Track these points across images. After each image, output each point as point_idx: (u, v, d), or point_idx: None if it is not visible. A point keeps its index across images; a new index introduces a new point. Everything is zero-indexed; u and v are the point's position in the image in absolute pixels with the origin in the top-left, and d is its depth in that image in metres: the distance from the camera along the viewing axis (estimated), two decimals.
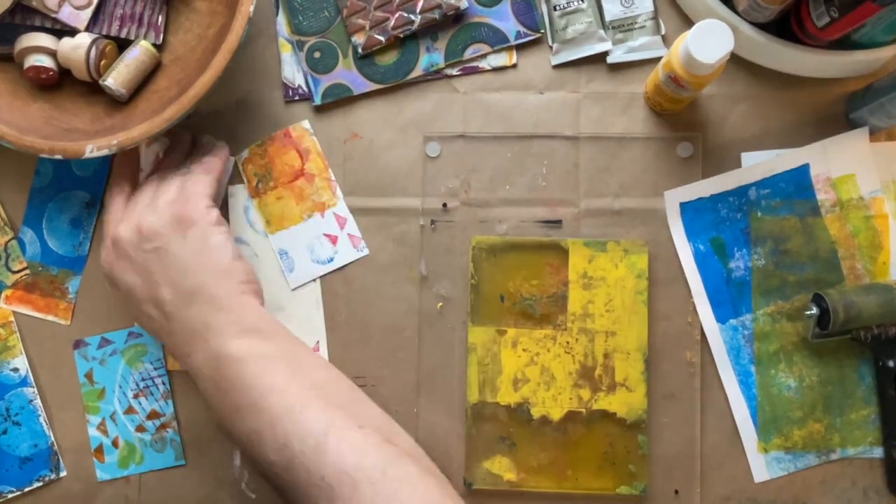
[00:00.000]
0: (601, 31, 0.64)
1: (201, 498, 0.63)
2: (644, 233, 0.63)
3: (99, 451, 0.64)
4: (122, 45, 0.63)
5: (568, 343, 0.62)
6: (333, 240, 0.64)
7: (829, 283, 0.62)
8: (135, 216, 0.56)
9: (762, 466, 0.61)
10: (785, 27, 0.61)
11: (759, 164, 0.63)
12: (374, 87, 0.65)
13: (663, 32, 0.64)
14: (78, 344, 0.64)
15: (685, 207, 0.63)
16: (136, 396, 0.64)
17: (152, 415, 0.64)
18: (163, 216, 0.55)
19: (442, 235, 0.64)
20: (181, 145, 0.63)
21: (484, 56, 0.65)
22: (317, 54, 0.65)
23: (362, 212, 0.65)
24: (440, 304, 0.64)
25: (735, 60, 0.64)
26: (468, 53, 0.65)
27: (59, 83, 0.63)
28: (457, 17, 0.65)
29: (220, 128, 0.65)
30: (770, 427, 0.61)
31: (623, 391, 0.61)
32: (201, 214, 0.56)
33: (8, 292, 0.65)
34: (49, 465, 0.64)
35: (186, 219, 0.55)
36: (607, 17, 0.64)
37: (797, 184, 0.63)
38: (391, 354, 0.63)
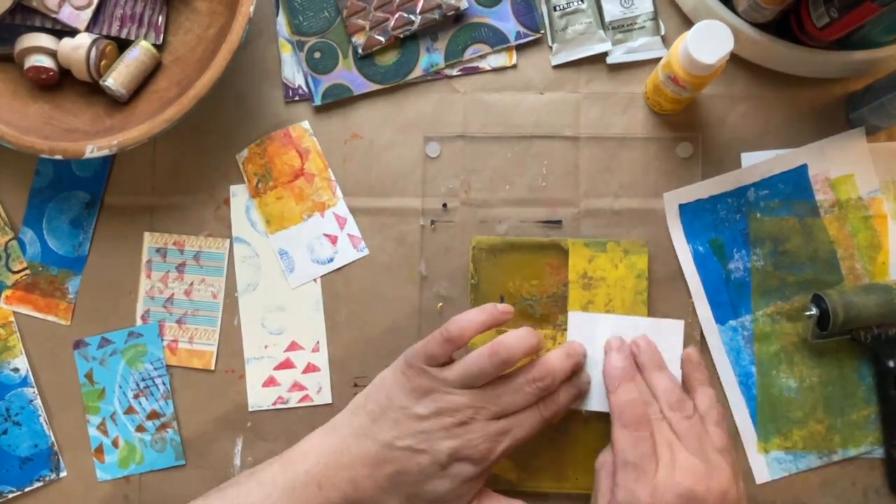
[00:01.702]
0: (601, 32, 0.64)
1: None
2: (644, 233, 0.63)
3: (99, 451, 0.64)
4: (123, 45, 0.63)
5: None
6: (333, 240, 0.64)
7: (829, 283, 0.62)
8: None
9: (763, 467, 0.61)
10: (785, 27, 0.61)
11: (757, 165, 0.63)
12: (374, 87, 0.65)
13: (663, 33, 0.64)
14: (78, 344, 0.64)
15: (684, 209, 0.63)
16: (136, 396, 0.64)
17: (152, 415, 0.64)
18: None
19: (442, 235, 0.64)
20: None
21: (484, 56, 0.65)
22: (317, 54, 0.65)
23: (362, 212, 0.65)
24: (440, 304, 0.64)
25: (735, 61, 0.64)
26: (468, 54, 0.65)
27: (59, 83, 0.64)
28: (457, 18, 0.65)
29: (220, 128, 0.66)
30: (770, 427, 0.61)
31: None
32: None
33: (8, 292, 0.65)
34: (49, 465, 0.64)
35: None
36: (607, 18, 0.64)
37: (795, 184, 0.63)
38: (391, 354, 0.63)
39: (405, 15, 0.64)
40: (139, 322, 0.65)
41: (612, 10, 0.64)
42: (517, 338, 0.55)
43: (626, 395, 0.55)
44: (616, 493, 0.52)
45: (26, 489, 0.64)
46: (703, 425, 0.54)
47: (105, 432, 0.64)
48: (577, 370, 0.57)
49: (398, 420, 0.54)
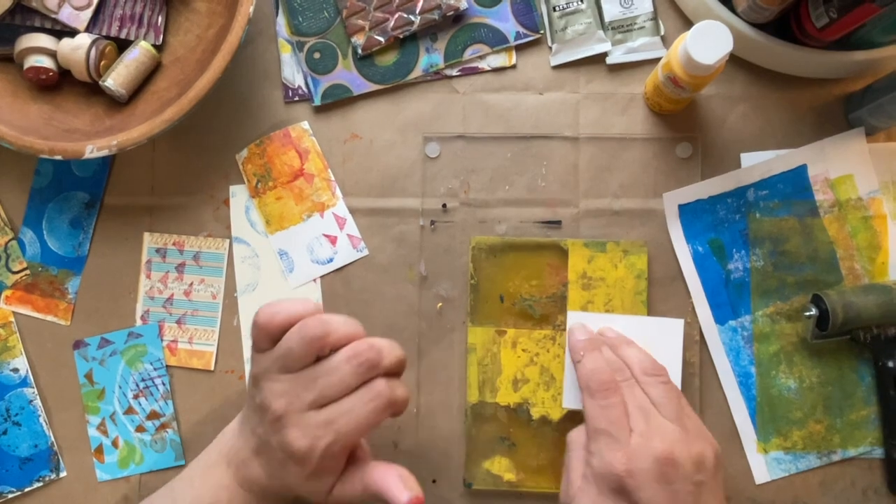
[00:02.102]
0: (600, 32, 0.64)
1: None
2: (643, 233, 0.63)
3: (99, 451, 0.64)
4: (122, 45, 0.63)
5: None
6: (333, 240, 0.64)
7: (828, 283, 0.62)
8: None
9: (762, 467, 0.61)
10: (784, 28, 0.61)
11: (756, 166, 0.63)
12: (374, 87, 0.65)
13: (662, 33, 0.64)
14: (78, 344, 0.64)
15: (684, 209, 0.63)
16: (135, 397, 0.64)
17: (152, 415, 0.64)
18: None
19: (442, 235, 0.64)
20: None
21: (483, 57, 0.65)
22: (316, 55, 0.65)
23: (362, 212, 0.65)
24: (440, 304, 0.64)
25: (734, 61, 0.64)
26: (468, 54, 0.65)
27: (58, 84, 0.64)
28: (456, 18, 0.65)
29: (220, 128, 0.66)
30: (769, 427, 0.61)
31: None
32: None
33: (8, 293, 0.65)
34: (49, 465, 0.64)
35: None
36: (606, 18, 0.64)
37: (795, 184, 0.63)
38: None
39: (405, 15, 0.64)
40: (139, 322, 0.65)
41: (611, 11, 0.64)
42: (337, 316, 0.49)
43: (592, 363, 0.54)
44: (590, 461, 0.52)
45: (26, 489, 0.64)
46: (678, 391, 0.54)
47: (105, 432, 0.64)
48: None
49: (251, 411, 0.52)
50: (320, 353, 0.49)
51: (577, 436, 0.55)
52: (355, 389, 0.49)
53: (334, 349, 0.49)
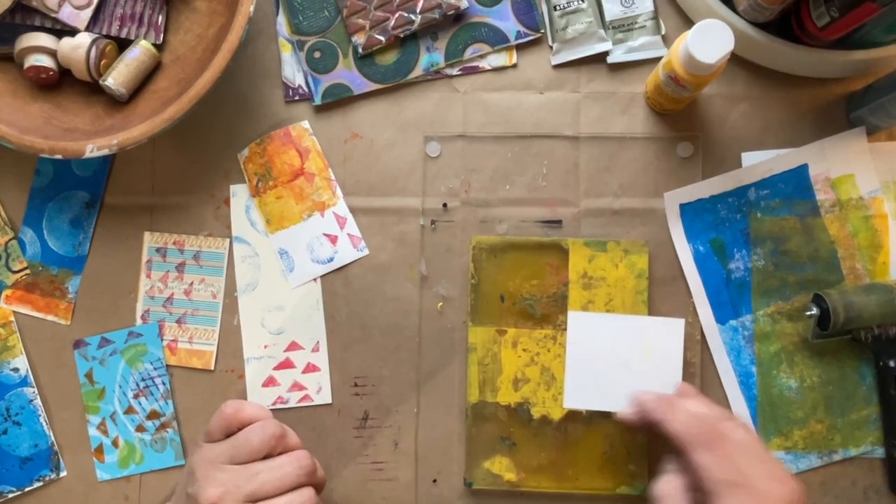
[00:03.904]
0: (601, 31, 0.64)
1: None
2: (644, 233, 0.63)
3: (99, 450, 0.64)
4: (122, 45, 0.63)
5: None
6: (333, 240, 0.64)
7: (829, 283, 0.62)
8: None
9: None
10: (785, 27, 0.61)
11: (757, 165, 0.63)
12: (375, 86, 0.65)
13: (663, 32, 0.64)
14: (78, 344, 0.64)
15: (685, 209, 0.63)
16: (136, 396, 0.64)
17: (152, 415, 0.64)
18: None
19: (442, 235, 0.64)
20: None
21: (484, 56, 0.65)
22: (317, 54, 0.65)
23: (362, 211, 0.65)
24: (440, 303, 0.64)
25: (735, 60, 0.64)
26: (468, 53, 0.65)
27: (59, 83, 0.64)
28: (457, 17, 0.65)
29: (220, 127, 0.66)
30: (770, 427, 0.61)
31: None
32: None
33: (8, 292, 0.65)
34: (49, 464, 0.64)
35: None
36: (607, 17, 0.64)
37: (796, 184, 0.63)
38: (391, 354, 0.63)
39: (405, 14, 0.64)
40: (139, 322, 0.65)
41: (612, 10, 0.64)
42: (253, 403, 0.54)
43: (684, 413, 0.51)
44: None
45: (26, 489, 0.64)
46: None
47: (105, 432, 0.64)
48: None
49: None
50: (271, 452, 0.52)
51: (670, 488, 0.51)
52: (287, 492, 0.51)
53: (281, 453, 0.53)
